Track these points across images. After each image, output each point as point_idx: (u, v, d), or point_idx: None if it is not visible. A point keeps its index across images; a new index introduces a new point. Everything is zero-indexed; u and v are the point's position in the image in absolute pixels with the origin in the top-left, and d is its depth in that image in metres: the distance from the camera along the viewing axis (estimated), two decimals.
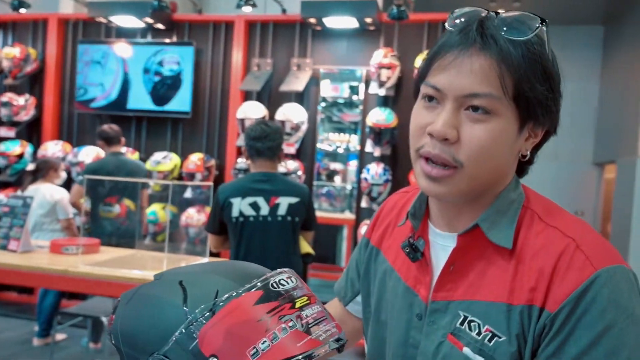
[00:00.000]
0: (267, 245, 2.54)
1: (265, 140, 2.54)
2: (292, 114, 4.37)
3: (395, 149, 4.33)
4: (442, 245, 0.82)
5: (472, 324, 0.74)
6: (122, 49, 4.85)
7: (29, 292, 5.04)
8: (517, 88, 0.70)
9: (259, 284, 0.64)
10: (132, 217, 4.22)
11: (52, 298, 3.96)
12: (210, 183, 3.55)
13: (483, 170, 0.73)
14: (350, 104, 4.59)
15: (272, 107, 4.52)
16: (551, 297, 0.68)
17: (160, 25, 4.76)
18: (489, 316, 0.73)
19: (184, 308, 0.63)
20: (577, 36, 7.20)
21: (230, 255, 2.68)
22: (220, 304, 0.61)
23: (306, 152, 4.58)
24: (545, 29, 0.71)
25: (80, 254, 3.02)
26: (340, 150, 4.60)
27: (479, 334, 0.73)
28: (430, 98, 0.74)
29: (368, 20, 4.19)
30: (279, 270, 0.69)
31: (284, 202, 2.53)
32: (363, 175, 4.24)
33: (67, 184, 4.95)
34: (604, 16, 6.94)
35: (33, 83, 5.26)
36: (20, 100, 5.08)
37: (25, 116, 5.09)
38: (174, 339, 0.62)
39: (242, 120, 4.38)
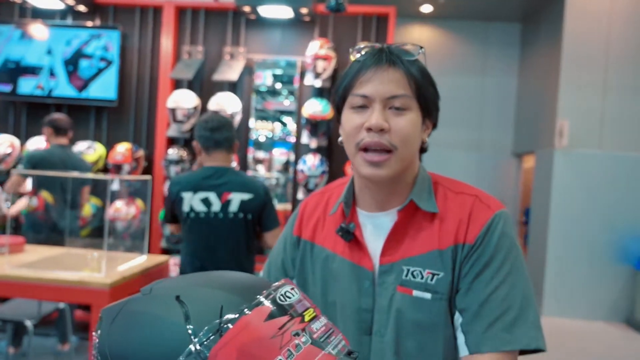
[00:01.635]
0: (218, 242, 2.45)
1: (223, 131, 2.46)
2: (226, 103, 4.25)
3: (331, 141, 4.33)
4: (374, 223, 1.05)
5: (414, 272, 0.99)
6: (36, 30, 4.49)
7: None
8: (419, 90, 0.97)
9: (266, 298, 0.61)
10: (52, 211, 3.97)
11: None
12: (149, 176, 3.39)
13: (409, 152, 0.98)
14: (273, 92, 4.53)
15: (204, 97, 4.38)
16: (469, 234, 0.98)
17: (82, 8, 4.46)
18: (427, 263, 0.98)
19: (188, 327, 0.58)
20: (497, 33, 7.53)
21: (181, 249, 2.59)
22: (229, 323, 0.57)
23: (240, 142, 4.48)
24: (424, 51, 0.99)
25: (2, 255, 2.80)
26: (262, 139, 4.53)
27: (422, 278, 0.98)
28: (360, 106, 0.97)
29: (303, 10, 4.14)
30: (280, 282, 0.66)
31: (236, 199, 2.42)
32: (299, 167, 4.22)
33: None
34: (522, 14, 7.28)
35: None
36: None
37: None
38: None
39: (173, 110, 4.22)
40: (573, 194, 5.91)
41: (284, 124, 4.50)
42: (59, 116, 3.89)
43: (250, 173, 4.49)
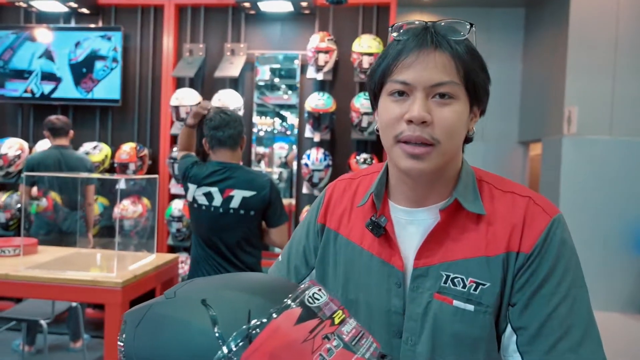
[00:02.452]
0: (217, 235, 2.51)
1: (226, 129, 2.50)
2: (228, 100, 4.28)
3: (334, 134, 4.34)
4: (408, 220, 0.95)
5: (455, 280, 0.89)
6: (42, 34, 4.56)
7: None
8: (467, 76, 0.86)
9: (294, 300, 0.60)
10: (59, 211, 4.04)
11: None
12: (155, 176, 3.45)
13: (452, 146, 0.88)
14: (271, 87, 4.54)
15: (206, 94, 4.40)
16: (525, 242, 0.87)
17: (84, 10, 4.51)
18: (471, 270, 0.88)
19: (216, 331, 0.57)
20: (500, 18, 7.44)
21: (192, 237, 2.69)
22: (258, 327, 0.56)
23: None
24: (474, 30, 0.89)
25: (15, 256, 2.89)
26: (262, 134, 4.55)
27: (464, 287, 0.88)
28: (399, 93, 0.87)
29: (303, 4, 4.15)
30: (307, 283, 0.65)
31: (237, 195, 2.47)
32: (303, 161, 4.23)
33: None
34: None
35: None
36: None
37: None
38: None
39: (176, 108, 4.25)
40: (583, 181, 5.82)
41: (283, 118, 4.51)
42: (54, 118, 3.95)
43: (254, 169, 4.52)
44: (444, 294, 0.89)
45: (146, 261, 2.95)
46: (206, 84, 4.50)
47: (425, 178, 0.91)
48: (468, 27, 0.87)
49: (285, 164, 4.48)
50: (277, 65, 4.49)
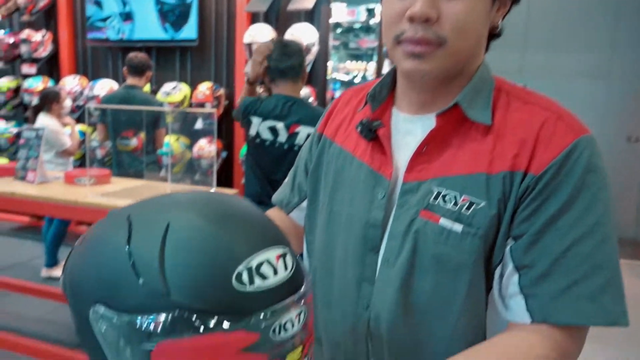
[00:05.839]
0: (277, 171, 2.41)
1: (287, 60, 2.37)
2: (301, 35, 4.09)
3: None
4: (408, 129, 0.83)
5: (446, 197, 0.76)
6: None
7: None
8: None
9: (257, 321, 0.48)
10: (149, 150, 4.16)
11: (54, 228, 4.02)
12: (213, 111, 3.43)
13: (464, 45, 0.74)
14: (367, 29, 4.22)
15: (281, 29, 4.24)
16: (536, 161, 0.71)
17: None
18: (467, 187, 0.75)
19: (127, 250, 0.49)
20: (630, 2, 6.27)
21: (245, 171, 2.65)
22: (197, 327, 0.47)
23: (318, 77, 4.31)
24: None
25: (90, 185, 3.04)
26: (358, 80, 4.30)
27: (455, 204, 0.75)
28: None
29: None
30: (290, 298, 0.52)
31: (303, 132, 2.35)
32: None
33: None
34: None
35: (48, 18, 5.22)
36: (37, 36, 5.10)
37: (43, 52, 5.13)
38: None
39: (249, 45, 4.15)
40: None
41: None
42: (133, 55, 3.79)
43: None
44: (431, 211, 0.77)
45: None
46: (280, 18, 4.33)
47: (429, 81, 0.78)
48: None
49: None
50: (358, 4, 4.17)
